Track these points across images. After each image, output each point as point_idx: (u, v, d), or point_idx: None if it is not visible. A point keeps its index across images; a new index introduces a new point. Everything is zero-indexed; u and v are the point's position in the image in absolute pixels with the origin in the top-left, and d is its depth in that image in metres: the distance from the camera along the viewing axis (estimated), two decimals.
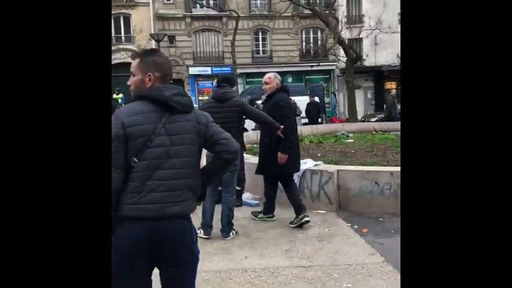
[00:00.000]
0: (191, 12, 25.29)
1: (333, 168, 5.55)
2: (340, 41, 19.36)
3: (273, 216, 4.97)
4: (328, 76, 26.97)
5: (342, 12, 25.51)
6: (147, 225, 1.85)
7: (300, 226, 4.61)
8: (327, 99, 24.87)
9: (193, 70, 25.30)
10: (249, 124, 13.29)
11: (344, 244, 4.13)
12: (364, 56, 24.78)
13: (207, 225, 4.43)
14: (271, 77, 4.77)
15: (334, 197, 5.27)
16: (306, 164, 5.51)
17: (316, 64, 25.55)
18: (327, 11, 21.72)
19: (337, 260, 3.72)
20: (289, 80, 23.68)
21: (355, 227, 4.64)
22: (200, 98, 23.37)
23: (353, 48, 21.03)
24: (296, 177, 5.09)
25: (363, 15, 26.26)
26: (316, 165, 5.71)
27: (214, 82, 5.65)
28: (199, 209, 6.00)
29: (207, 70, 24.71)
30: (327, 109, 23.76)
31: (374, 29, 21.36)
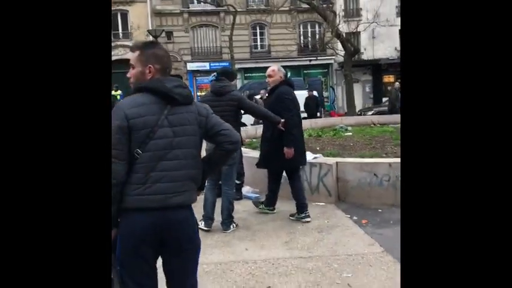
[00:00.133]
0: (188, 7, 25.23)
1: (331, 160, 5.58)
2: (338, 35, 19.33)
3: (274, 209, 4.97)
4: (326, 70, 26.97)
5: (339, 5, 25.49)
6: (151, 215, 1.88)
7: (298, 220, 4.64)
8: (325, 94, 24.87)
9: (191, 66, 25.27)
10: (247, 119, 13.33)
11: (343, 235, 4.16)
12: (362, 50, 24.74)
13: (208, 218, 4.47)
14: (274, 70, 4.70)
15: (333, 189, 5.30)
16: None
17: (315, 58, 25.53)
18: (324, 5, 21.69)
19: (336, 251, 3.75)
20: (288, 74, 23.64)
21: (355, 218, 4.68)
22: (199, 93, 23.35)
23: (351, 41, 20.99)
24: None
25: (361, 8, 26.23)
26: (315, 158, 5.73)
27: (210, 76, 5.64)
28: (199, 202, 6.04)
29: (205, 66, 24.67)
30: (326, 103, 23.76)
31: (372, 22, 21.31)
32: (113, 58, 20.88)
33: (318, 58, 25.63)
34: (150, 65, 1.98)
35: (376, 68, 26.62)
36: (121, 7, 24.00)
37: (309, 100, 16.39)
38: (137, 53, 2.00)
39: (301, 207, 4.64)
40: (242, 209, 5.26)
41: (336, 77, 26.78)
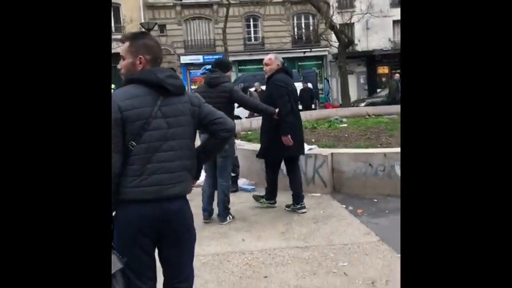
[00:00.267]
0: (181, 0, 25.06)
1: (327, 151, 5.59)
2: (332, 26, 19.30)
3: (275, 203, 4.86)
4: (320, 62, 26.93)
5: None
6: (148, 207, 1.89)
7: (294, 211, 4.66)
8: (320, 85, 24.86)
9: (185, 59, 25.15)
10: (242, 112, 13.32)
11: (339, 225, 4.19)
12: (356, 41, 24.74)
13: (204, 209, 4.51)
14: (271, 58, 4.65)
15: (328, 180, 5.33)
16: None
17: (309, 50, 25.48)
18: None
19: (332, 240, 3.78)
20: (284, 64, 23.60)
21: (350, 208, 4.70)
22: (192, 87, 23.28)
23: (345, 33, 20.97)
24: None
25: None
26: (310, 149, 5.74)
27: (201, 69, 5.64)
28: (198, 195, 6.05)
29: (199, 58, 24.57)
30: (320, 95, 23.76)
31: (365, 13, 21.27)
32: None
33: (312, 50, 25.59)
34: (140, 56, 1.97)
35: (370, 59, 26.62)
36: (113, 0, 23.80)
37: (303, 92, 16.37)
38: (127, 44, 1.99)
39: (298, 198, 4.65)
40: (238, 201, 5.27)
41: (330, 68, 26.77)
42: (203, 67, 5.35)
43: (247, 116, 13.12)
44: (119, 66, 2.01)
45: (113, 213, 1.90)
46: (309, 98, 16.87)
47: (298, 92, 16.20)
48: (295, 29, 26.75)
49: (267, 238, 3.95)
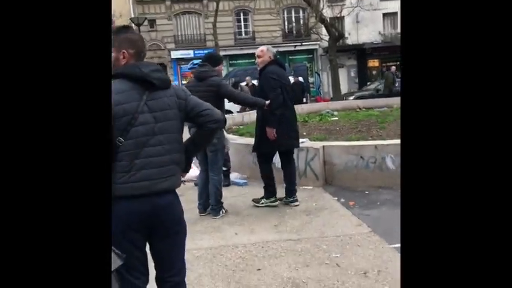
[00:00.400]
0: None
1: (318, 144, 5.62)
2: (322, 20, 19.28)
3: (276, 201, 4.68)
4: (311, 56, 26.95)
5: None
6: (137, 202, 1.88)
7: (287, 204, 4.68)
8: (311, 79, 24.90)
9: (176, 54, 25.02)
10: (234, 106, 13.30)
11: (331, 217, 4.22)
12: (346, 34, 24.73)
13: (200, 204, 4.58)
14: (263, 50, 4.55)
15: (320, 173, 5.35)
16: None
17: (299, 44, 25.45)
18: None
19: (325, 232, 3.81)
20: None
21: (342, 200, 4.74)
22: (183, 81, 23.18)
23: (335, 26, 20.96)
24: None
25: None
26: (302, 142, 5.75)
27: (189, 64, 5.63)
28: (188, 189, 6.05)
29: (190, 53, 24.45)
30: (311, 89, 23.80)
31: (355, 7, 21.29)
32: None
33: (303, 44, 25.55)
34: (123, 50, 1.95)
35: (361, 52, 26.69)
36: None
37: (294, 86, 16.36)
38: None
39: (291, 192, 4.67)
40: (231, 195, 5.29)
41: (321, 62, 26.79)
42: (191, 62, 5.33)
43: (238, 110, 13.12)
44: None
45: None
46: (300, 92, 16.90)
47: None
48: (286, 23, 26.70)
49: (260, 231, 3.97)
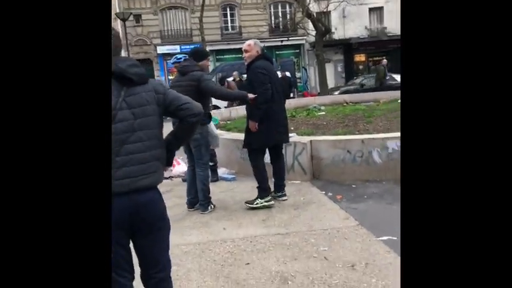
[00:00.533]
0: None
1: (306, 139, 5.64)
2: (309, 15, 19.29)
3: (271, 200, 4.48)
4: (298, 51, 26.98)
5: None
6: (120, 200, 1.87)
7: (275, 198, 4.69)
8: (298, 74, 24.93)
9: (162, 49, 24.83)
10: (222, 102, 13.26)
11: (319, 211, 4.25)
12: (332, 29, 24.79)
13: (188, 200, 4.58)
14: (251, 44, 4.42)
15: (308, 167, 5.38)
16: None
17: (286, 39, 25.47)
18: None
19: (313, 226, 3.83)
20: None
21: (329, 194, 4.77)
22: (170, 77, 23.02)
23: (321, 21, 20.98)
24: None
25: None
26: (289, 137, 5.77)
27: (172, 58, 5.59)
28: (175, 185, 6.03)
29: (176, 48, 24.26)
30: (299, 84, 23.84)
31: (342, 1, 21.32)
32: None
33: (290, 38, 25.58)
34: None
35: (347, 47, 26.80)
36: None
37: (282, 81, 16.39)
38: None
39: (279, 187, 4.67)
40: (219, 190, 5.29)
41: (308, 57, 26.84)
42: (174, 56, 5.31)
43: (226, 105, 13.08)
44: None
45: None
46: (288, 87, 16.87)
47: None
48: (272, 18, 26.66)
49: (248, 226, 3.98)
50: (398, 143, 5.10)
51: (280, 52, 25.96)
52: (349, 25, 26.58)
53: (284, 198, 4.64)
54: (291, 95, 17.59)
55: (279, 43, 25.59)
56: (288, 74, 17.45)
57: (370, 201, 4.48)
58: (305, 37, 25.03)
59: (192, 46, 22.50)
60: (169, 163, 2.12)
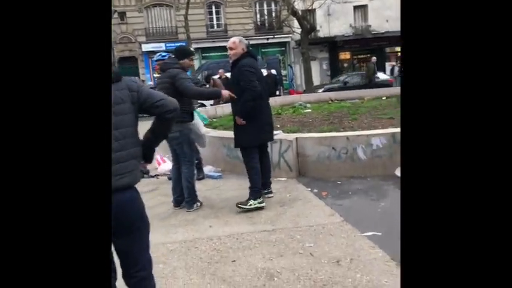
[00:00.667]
0: None
1: (291, 136, 5.66)
2: (294, 12, 19.36)
3: (263, 202, 4.36)
4: (283, 48, 27.02)
5: None
6: None
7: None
8: (283, 72, 24.98)
9: (147, 47, 24.65)
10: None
11: (305, 207, 4.28)
12: (318, 27, 24.93)
13: (173, 197, 4.57)
14: (235, 42, 4.32)
15: (293, 164, 5.41)
16: None
17: (272, 37, 25.51)
18: None
19: (299, 223, 3.86)
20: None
21: (315, 191, 4.80)
22: (155, 74, 22.85)
23: (307, 19, 21.08)
24: None
25: None
26: (275, 134, 5.79)
27: (155, 56, 5.58)
28: (161, 183, 5.99)
29: (161, 46, 24.10)
30: (284, 81, 23.88)
31: None
32: None
33: (275, 36, 25.63)
34: None
35: (332, 45, 26.94)
36: None
37: (268, 78, 16.43)
38: None
39: (265, 184, 4.67)
40: (205, 188, 5.29)
41: (294, 55, 26.92)
42: (158, 54, 5.28)
43: (212, 103, 13.04)
44: None
45: None
46: (273, 85, 16.96)
47: None
48: (258, 16, 26.66)
49: (234, 223, 3.99)
50: (383, 139, 5.16)
51: (266, 50, 25.96)
52: (334, 23, 26.72)
53: (270, 195, 4.66)
54: (277, 92, 17.66)
55: (265, 41, 25.60)
56: (273, 71, 17.52)
57: (354, 197, 4.53)
58: (290, 35, 25.09)
59: (178, 44, 22.38)
60: (148, 160, 2.11)
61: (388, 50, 27.73)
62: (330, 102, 13.73)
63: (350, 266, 2.95)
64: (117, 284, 2.11)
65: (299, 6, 21.75)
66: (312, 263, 3.05)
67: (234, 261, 3.17)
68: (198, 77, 15.28)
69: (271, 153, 5.44)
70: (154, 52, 24.36)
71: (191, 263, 3.19)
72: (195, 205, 4.49)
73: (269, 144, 5.18)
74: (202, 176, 5.78)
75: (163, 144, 5.18)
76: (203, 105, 13.56)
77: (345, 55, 28.05)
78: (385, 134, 5.24)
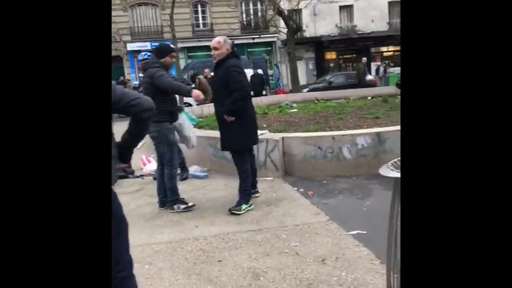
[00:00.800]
0: None
1: (278, 136, 5.67)
2: (280, 12, 19.39)
3: (252, 205, 4.33)
4: (270, 48, 27.06)
5: None
6: None
7: None
8: (270, 72, 25.01)
9: (132, 46, 24.42)
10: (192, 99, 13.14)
11: (291, 207, 4.29)
12: (304, 27, 25.01)
13: (159, 198, 4.52)
14: (220, 42, 4.21)
15: (280, 164, 5.42)
16: None
17: (258, 36, 25.51)
18: None
19: (284, 222, 3.87)
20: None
21: (301, 190, 4.82)
22: (141, 74, 22.66)
23: (293, 19, 21.14)
24: None
25: None
26: (261, 134, 5.79)
27: (139, 55, 5.55)
28: (146, 184, 5.96)
29: (146, 45, 23.86)
30: (271, 81, 23.91)
31: None
32: None
33: (261, 36, 25.63)
34: None
35: (318, 45, 27.06)
36: None
37: (254, 78, 16.43)
38: None
39: (252, 184, 4.67)
40: (191, 188, 5.27)
41: (280, 54, 26.97)
42: (141, 53, 5.23)
43: (197, 103, 13.00)
44: None
45: None
46: (260, 84, 16.96)
47: (249, 78, 16.44)
48: (244, 15, 26.64)
49: (221, 223, 3.98)
50: (368, 139, 5.21)
51: (252, 49, 25.97)
52: (320, 23, 26.86)
53: (257, 195, 4.66)
54: (264, 92, 17.69)
55: (251, 40, 25.59)
56: (260, 71, 17.52)
57: (340, 196, 4.56)
58: (277, 35, 25.13)
59: (163, 43, 22.32)
60: (126, 160, 2.09)
61: (373, 50, 27.96)
62: (316, 102, 13.82)
63: (335, 265, 2.97)
64: None
65: (285, 6, 21.79)
66: (297, 262, 3.06)
67: (220, 261, 3.16)
68: (184, 77, 15.21)
69: (258, 153, 5.45)
70: (139, 51, 23.99)
71: (177, 264, 3.17)
72: (176, 206, 4.40)
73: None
74: (186, 176, 5.74)
75: (150, 144, 5.16)
76: (190, 105, 13.52)
77: (330, 55, 28.21)
78: (370, 134, 5.28)
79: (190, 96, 4.31)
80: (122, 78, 20.97)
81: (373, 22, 27.13)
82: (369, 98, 13.52)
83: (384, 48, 28.46)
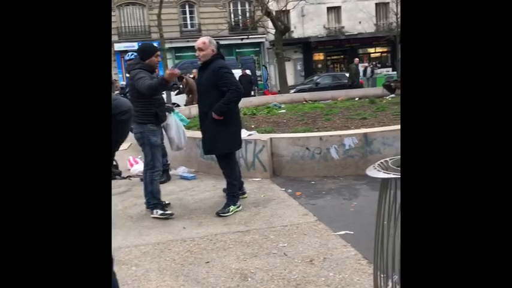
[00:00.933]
0: None
1: (266, 136, 5.68)
2: (268, 13, 19.42)
3: (240, 206, 4.31)
4: (258, 49, 27.09)
5: None
6: None
7: None
8: (258, 72, 25.03)
9: (119, 46, 24.23)
10: (181, 99, 13.10)
11: (279, 208, 4.29)
12: (292, 28, 25.11)
13: (146, 199, 4.46)
14: (205, 42, 4.13)
15: (268, 165, 5.42)
16: None
17: (246, 37, 25.50)
18: None
19: (273, 223, 3.87)
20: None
21: (289, 191, 4.83)
22: (127, 75, 22.52)
23: (281, 20, 21.18)
24: None
25: None
26: (249, 135, 5.81)
27: (126, 55, 5.51)
28: (134, 185, 5.90)
29: (134, 45, 23.63)
30: (259, 82, 23.93)
31: (300, 0, 21.61)
32: None
33: (250, 37, 25.62)
34: None
35: (306, 46, 27.19)
36: None
37: (242, 79, 16.44)
38: None
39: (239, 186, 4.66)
40: (178, 189, 5.24)
41: (268, 55, 27.01)
42: (128, 53, 5.19)
43: (185, 103, 12.95)
44: None
45: None
46: (249, 85, 16.97)
47: (238, 79, 16.47)
48: (232, 16, 26.63)
49: (208, 224, 3.96)
50: (355, 139, 5.24)
51: (240, 50, 25.98)
52: (308, 24, 26.98)
53: (244, 196, 4.66)
54: (252, 93, 17.70)
55: (239, 41, 25.58)
56: (248, 72, 17.53)
57: (328, 196, 4.58)
58: (265, 35, 25.18)
59: (151, 43, 22.20)
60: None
61: (360, 51, 28.19)
62: (304, 102, 13.88)
63: (323, 265, 2.97)
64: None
65: (273, 6, 21.83)
66: (285, 262, 3.06)
67: (208, 262, 3.15)
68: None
69: (246, 153, 5.47)
70: (126, 51, 23.91)
71: (164, 265, 3.15)
72: (155, 211, 4.25)
73: (244, 144, 5.21)
74: (165, 179, 5.54)
75: (136, 145, 5.12)
76: (178, 105, 13.45)
77: (318, 56, 28.37)
78: (357, 134, 5.31)
79: (168, 85, 4.22)
80: None
81: (360, 23, 27.34)
82: (357, 99, 13.63)
83: (371, 50, 28.72)
